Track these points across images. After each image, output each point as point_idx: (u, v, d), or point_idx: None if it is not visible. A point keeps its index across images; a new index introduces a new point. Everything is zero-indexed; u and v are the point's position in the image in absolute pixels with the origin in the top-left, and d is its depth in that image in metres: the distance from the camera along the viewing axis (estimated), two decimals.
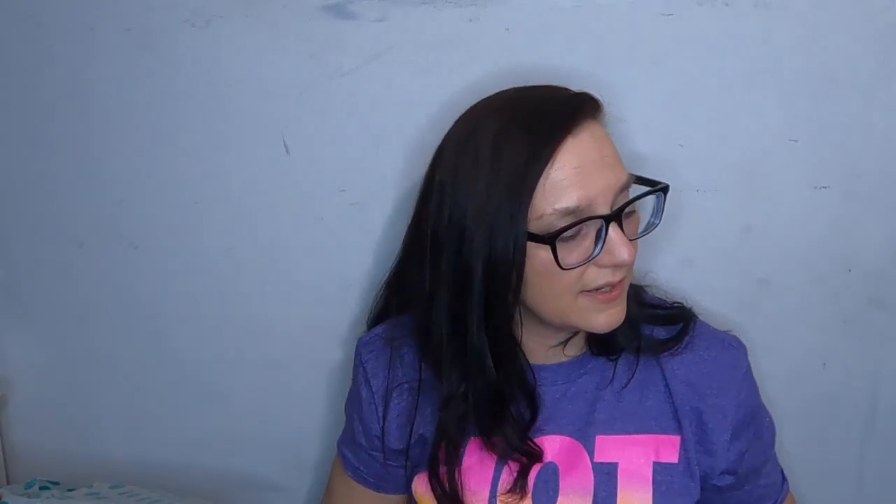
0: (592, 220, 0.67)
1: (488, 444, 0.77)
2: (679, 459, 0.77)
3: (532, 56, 0.90)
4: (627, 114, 0.88)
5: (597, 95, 0.71)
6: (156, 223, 1.01)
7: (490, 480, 0.78)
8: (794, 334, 0.99)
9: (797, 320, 0.98)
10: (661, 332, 0.80)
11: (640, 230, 0.73)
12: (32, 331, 1.07)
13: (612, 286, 0.70)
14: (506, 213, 0.66)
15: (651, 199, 0.73)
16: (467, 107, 0.74)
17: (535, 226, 0.67)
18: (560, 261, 0.66)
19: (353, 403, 0.85)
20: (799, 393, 1.00)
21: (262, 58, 0.93)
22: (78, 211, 1.01)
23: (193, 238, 1.01)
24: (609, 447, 0.77)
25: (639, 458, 0.77)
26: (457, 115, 0.75)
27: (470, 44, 0.91)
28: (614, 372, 0.79)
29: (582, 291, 0.70)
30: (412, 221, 0.78)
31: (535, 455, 0.77)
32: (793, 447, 0.95)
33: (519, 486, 0.77)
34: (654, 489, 0.76)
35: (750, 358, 0.80)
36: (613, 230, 0.67)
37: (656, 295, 0.83)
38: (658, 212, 0.74)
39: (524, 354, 0.76)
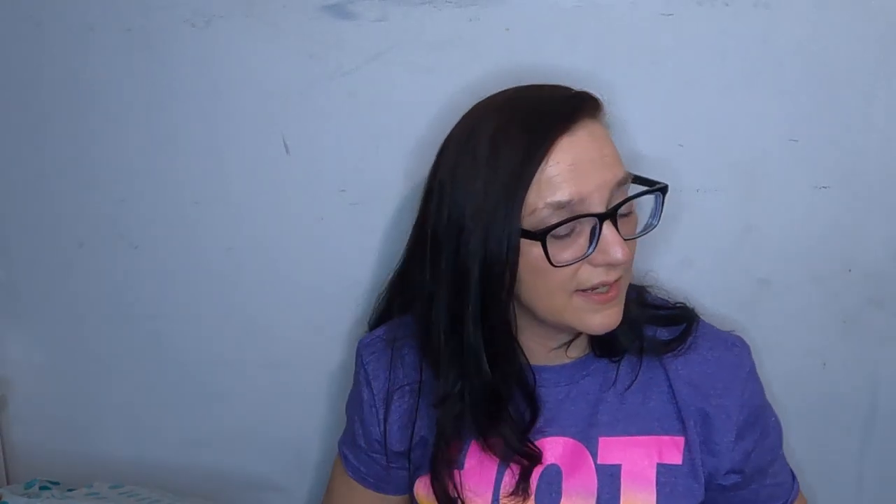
0: (587, 218, 0.67)
1: (487, 446, 0.76)
2: (683, 461, 0.77)
3: (532, 56, 0.90)
4: (627, 114, 0.87)
5: (597, 95, 0.71)
6: (156, 223, 1.00)
7: (493, 483, 0.78)
8: (794, 334, 0.99)
9: (797, 320, 0.98)
10: (663, 333, 0.79)
11: (637, 230, 0.73)
12: (32, 331, 1.07)
13: (609, 287, 0.70)
14: (502, 212, 0.66)
15: (651, 199, 0.73)
16: (467, 107, 0.74)
17: (528, 222, 0.67)
18: (552, 258, 0.66)
19: (354, 405, 0.85)
20: (799, 393, 1.00)
21: (262, 58, 0.93)
22: (78, 211, 1.01)
23: (193, 238, 1.01)
24: (612, 449, 0.77)
25: (642, 460, 0.76)
26: (457, 115, 0.75)
27: (470, 44, 0.91)
28: (617, 373, 0.78)
29: (577, 291, 0.69)
30: (416, 222, 0.78)
31: (535, 457, 0.76)
32: (793, 447, 0.95)
33: (521, 488, 0.76)
34: (657, 491, 0.76)
35: None
36: (608, 229, 0.67)
37: (659, 295, 0.83)
38: (657, 213, 0.73)
39: (524, 354, 0.76)
